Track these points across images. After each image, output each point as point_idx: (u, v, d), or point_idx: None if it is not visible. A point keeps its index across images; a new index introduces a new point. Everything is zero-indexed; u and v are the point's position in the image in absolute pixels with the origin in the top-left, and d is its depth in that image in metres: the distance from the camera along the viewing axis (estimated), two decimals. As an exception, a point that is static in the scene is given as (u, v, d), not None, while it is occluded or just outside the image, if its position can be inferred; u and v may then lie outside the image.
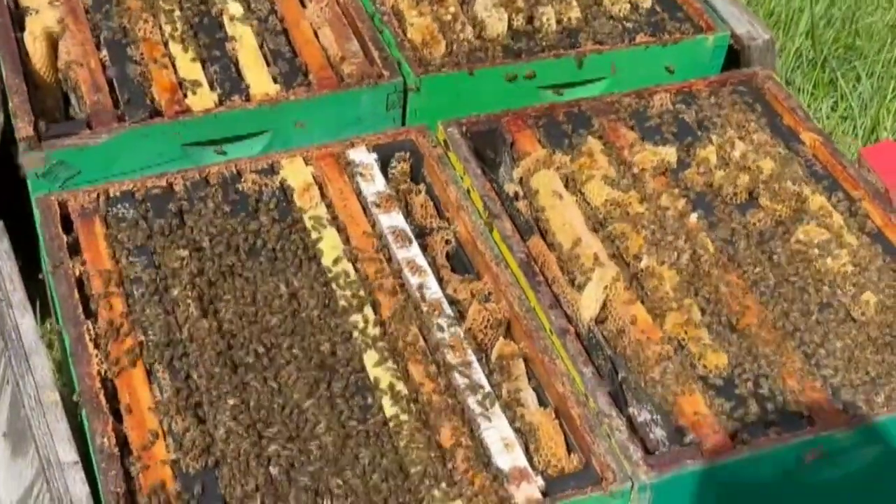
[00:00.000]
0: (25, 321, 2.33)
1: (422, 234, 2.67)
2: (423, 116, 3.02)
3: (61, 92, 2.99)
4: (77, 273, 2.43)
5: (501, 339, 2.44)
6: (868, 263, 2.62)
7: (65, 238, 2.50)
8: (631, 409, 2.39)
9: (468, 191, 2.73)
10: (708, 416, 2.33)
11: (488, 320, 2.46)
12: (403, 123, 3.04)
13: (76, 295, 2.39)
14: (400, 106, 3.03)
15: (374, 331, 2.40)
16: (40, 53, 2.98)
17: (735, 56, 3.32)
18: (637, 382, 2.41)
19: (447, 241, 2.66)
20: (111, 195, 2.62)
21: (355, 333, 2.40)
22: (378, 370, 2.34)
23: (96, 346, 2.30)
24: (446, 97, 3.04)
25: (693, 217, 2.70)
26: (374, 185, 2.72)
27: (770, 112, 3.04)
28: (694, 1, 3.33)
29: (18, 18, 3.09)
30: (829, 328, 2.51)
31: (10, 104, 2.79)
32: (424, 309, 2.46)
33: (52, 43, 3.01)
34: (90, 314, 2.38)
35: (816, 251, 2.64)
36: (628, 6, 3.31)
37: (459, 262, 2.65)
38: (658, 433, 2.35)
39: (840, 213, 2.74)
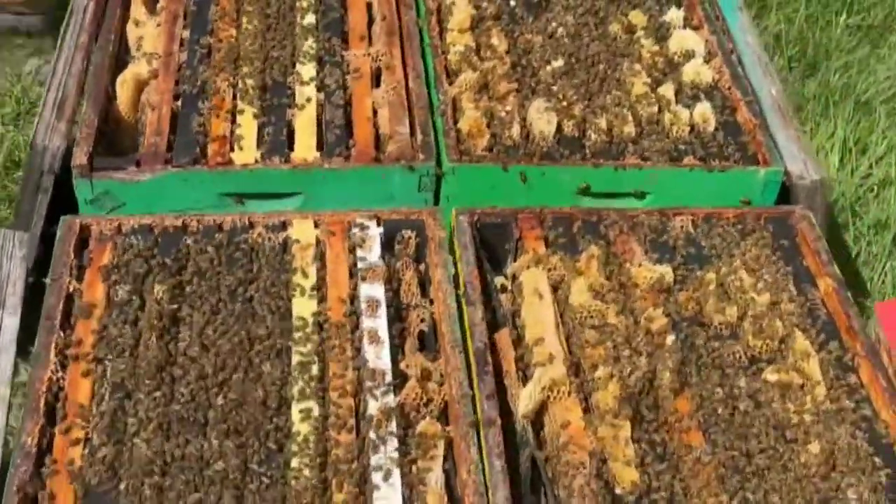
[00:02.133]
0: (9, 322, 2.59)
1: (403, 310, 2.78)
2: (455, 204, 3.14)
3: (139, 134, 3.30)
4: (70, 289, 2.68)
5: (428, 418, 2.52)
6: (829, 418, 2.54)
7: (72, 256, 2.76)
8: (544, 512, 2.41)
9: (456, 275, 2.83)
10: (603, 531, 2.32)
11: (422, 398, 2.54)
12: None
13: (60, 307, 2.64)
14: (432, 190, 3.16)
15: (312, 390, 2.53)
16: (124, 97, 3.31)
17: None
18: (553, 486, 2.43)
19: (422, 320, 2.76)
20: (131, 226, 2.87)
21: (295, 389, 2.53)
22: (302, 425, 2.46)
23: (57, 354, 2.53)
24: (479, 188, 3.16)
25: (669, 339, 2.69)
26: (369, 255, 2.86)
27: (795, 252, 2.99)
28: (759, 133, 3.32)
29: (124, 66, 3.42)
30: (763, 474, 2.45)
31: (77, 135, 3.10)
32: (367, 377, 2.56)
33: (140, 89, 3.33)
34: (68, 328, 2.62)
35: (778, 393, 2.58)
36: (688, 128, 3.33)
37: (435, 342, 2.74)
38: (560, 539, 2.36)
39: (821, 362, 2.66)
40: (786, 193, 3.29)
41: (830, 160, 4.65)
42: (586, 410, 2.56)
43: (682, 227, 3.03)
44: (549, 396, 2.57)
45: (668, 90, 3.45)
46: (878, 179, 4.53)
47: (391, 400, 2.53)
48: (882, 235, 4.21)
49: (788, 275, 2.91)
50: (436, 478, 2.42)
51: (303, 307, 2.72)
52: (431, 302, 2.80)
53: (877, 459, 2.48)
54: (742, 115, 3.40)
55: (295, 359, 2.59)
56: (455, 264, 2.87)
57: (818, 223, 3.20)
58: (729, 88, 3.50)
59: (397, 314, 2.77)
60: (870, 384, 2.65)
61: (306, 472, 2.37)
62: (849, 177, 4.57)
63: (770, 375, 2.63)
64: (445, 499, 2.37)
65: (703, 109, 3.38)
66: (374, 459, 2.41)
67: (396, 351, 2.67)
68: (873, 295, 4.01)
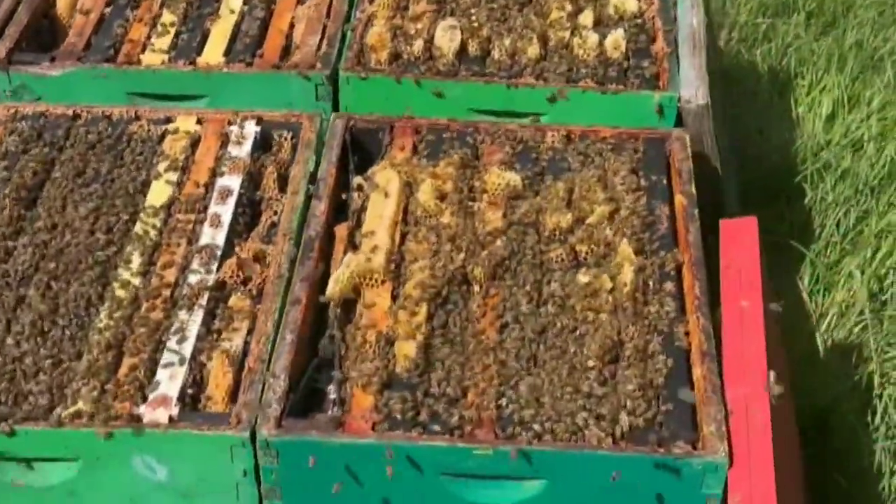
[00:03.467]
0: None
1: (259, 203, 2.92)
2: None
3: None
4: (-48, 166, 2.93)
5: (240, 294, 2.65)
6: (625, 318, 2.56)
7: (-42, 137, 3.01)
8: (330, 386, 2.51)
9: (316, 173, 2.95)
10: (370, 402, 2.41)
11: (239, 276, 2.67)
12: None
13: (-63, 180, 2.88)
14: (329, 100, 3.28)
15: (141, 262, 2.69)
16: (63, 3, 3.54)
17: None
18: (343, 363, 2.53)
19: (275, 212, 2.89)
20: (25, 112, 3.09)
21: (124, 258, 2.70)
22: (120, 290, 2.63)
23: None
24: (375, 100, 3.25)
25: (499, 242, 2.75)
26: (238, 151, 3.00)
27: (661, 171, 3.00)
28: (666, 61, 3.31)
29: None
30: (543, 364, 2.49)
31: (6, 31, 3.34)
32: (196, 255, 2.71)
33: (80, -5, 3.56)
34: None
35: (584, 294, 2.61)
36: (594, 53, 3.34)
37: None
38: (335, 412, 2.45)
39: (640, 268, 2.68)
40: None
41: (820, 112, 4.57)
42: (394, 298, 2.64)
43: (552, 141, 3.06)
44: (362, 283, 2.66)
45: (586, 17, 3.47)
46: (865, 133, 4.41)
47: (211, 277, 2.67)
48: (843, 185, 4.12)
49: (643, 190, 2.91)
50: (230, 346, 2.54)
51: (159, 190, 2.89)
52: (289, 195, 2.93)
53: (662, 358, 2.49)
54: (658, 45, 3.40)
55: (134, 233, 2.76)
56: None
57: (707, 147, 3.20)
58: (653, 18, 3.49)
59: (252, 206, 2.90)
60: (687, 293, 2.65)
61: (107, 333, 2.53)
62: (838, 129, 4.47)
63: (582, 277, 2.65)
64: (227, 362, 2.49)
65: (616, 36, 3.39)
66: (176, 325, 2.56)
67: (238, 236, 2.80)
68: (815, 242, 3.94)
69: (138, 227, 2.78)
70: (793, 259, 3.89)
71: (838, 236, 3.95)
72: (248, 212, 2.89)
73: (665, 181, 2.97)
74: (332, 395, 2.49)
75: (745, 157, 4.35)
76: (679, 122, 3.25)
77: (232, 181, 2.92)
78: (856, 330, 3.63)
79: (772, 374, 2.45)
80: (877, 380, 3.45)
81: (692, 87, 3.25)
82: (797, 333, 3.64)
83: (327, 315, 2.65)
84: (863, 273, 3.77)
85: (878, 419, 3.34)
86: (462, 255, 2.69)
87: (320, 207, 2.84)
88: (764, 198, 4.10)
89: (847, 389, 3.43)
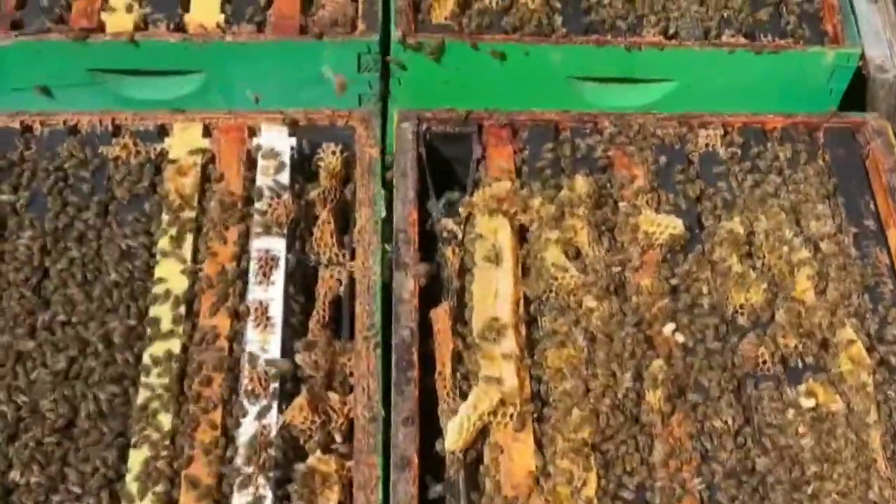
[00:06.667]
0: None
1: (312, 267, 2.05)
2: (410, 93, 2.37)
3: None
4: None
5: (320, 452, 1.82)
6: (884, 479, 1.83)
7: None
8: None
9: (389, 217, 2.07)
10: None
11: (313, 423, 1.84)
12: (385, 100, 2.38)
13: None
14: (378, 71, 2.35)
15: (167, 398, 1.84)
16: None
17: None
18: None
19: (339, 282, 2.02)
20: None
21: (143, 399, 1.84)
22: (138, 452, 1.79)
23: None
24: (442, 72, 2.35)
25: (668, 329, 1.95)
26: (273, 181, 2.09)
27: (860, 184, 2.19)
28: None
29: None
30: None
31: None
32: (245, 381, 1.86)
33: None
34: None
35: (808, 431, 1.86)
36: (735, -4, 2.44)
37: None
38: None
39: (875, 378, 1.92)
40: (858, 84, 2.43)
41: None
42: (539, 442, 1.85)
43: (707, 143, 2.21)
44: (490, 421, 1.85)
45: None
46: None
47: (272, 419, 1.83)
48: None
49: (846, 226, 2.11)
50: (319, 550, 1.74)
51: (170, 264, 1.99)
52: (353, 254, 2.05)
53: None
54: (820, -25, 2.49)
55: (148, 357, 1.88)
56: (390, 199, 2.10)
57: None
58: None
59: (302, 274, 2.03)
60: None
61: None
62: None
63: (805, 399, 1.88)
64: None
65: (756, -37, 2.48)
66: (238, 510, 1.75)
67: (294, 333, 1.95)
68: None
69: (154, 346, 1.90)
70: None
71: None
72: (301, 285, 2.02)
73: (866, 199, 2.16)
74: None
75: None
76: (852, 90, 2.41)
77: (272, 242, 2.03)
78: None
79: None
80: None
81: (881, 43, 2.38)
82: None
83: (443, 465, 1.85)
84: None
85: None
86: (629, 373, 1.89)
87: (408, 285, 1.99)
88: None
89: None
